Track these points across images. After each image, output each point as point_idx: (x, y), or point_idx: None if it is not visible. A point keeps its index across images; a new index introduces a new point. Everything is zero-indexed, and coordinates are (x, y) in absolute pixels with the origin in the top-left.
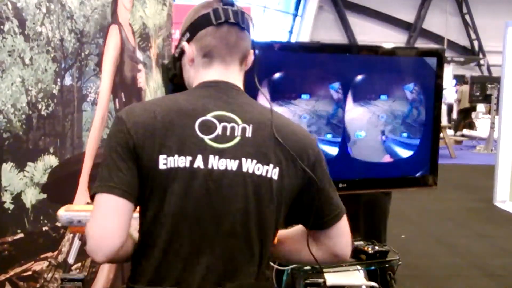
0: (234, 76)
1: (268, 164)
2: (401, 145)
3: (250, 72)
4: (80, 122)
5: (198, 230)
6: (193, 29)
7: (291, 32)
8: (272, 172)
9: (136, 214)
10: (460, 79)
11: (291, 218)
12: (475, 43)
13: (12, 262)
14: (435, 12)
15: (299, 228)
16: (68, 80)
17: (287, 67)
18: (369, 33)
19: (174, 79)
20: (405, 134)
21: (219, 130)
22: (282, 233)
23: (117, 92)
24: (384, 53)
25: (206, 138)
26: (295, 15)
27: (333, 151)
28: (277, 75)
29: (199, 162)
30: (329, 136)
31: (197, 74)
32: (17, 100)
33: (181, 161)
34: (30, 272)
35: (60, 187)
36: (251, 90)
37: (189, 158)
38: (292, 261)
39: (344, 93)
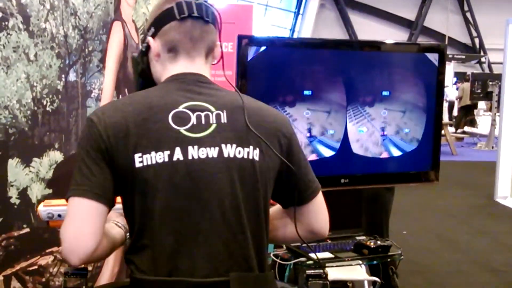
0: (201, 68)
1: (248, 146)
2: (402, 141)
3: (247, 73)
4: (84, 118)
5: (190, 223)
6: (157, 24)
7: (292, 30)
8: (254, 153)
9: (119, 205)
10: (461, 77)
11: (275, 196)
12: (476, 41)
13: (18, 256)
14: (437, 9)
15: (277, 206)
16: (72, 76)
17: (289, 63)
18: (370, 31)
19: (142, 73)
20: (406, 130)
21: (193, 120)
22: None
23: (121, 88)
24: (386, 49)
25: (182, 130)
26: (296, 13)
27: (335, 146)
28: (280, 71)
29: (178, 155)
30: (331, 132)
31: (164, 69)
32: (22, 96)
33: (159, 157)
34: (36, 267)
35: (65, 183)
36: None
37: (167, 152)
38: (270, 240)
39: (346, 89)
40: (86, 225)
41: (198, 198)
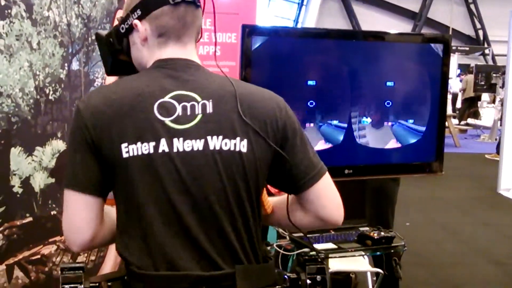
0: (191, 53)
1: (235, 138)
2: (407, 131)
3: (251, 63)
4: None
5: (178, 218)
6: (146, 7)
7: (296, 21)
8: (241, 145)
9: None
10: (464, 69)
11: (274, 184)
12: (480, 33)
13: (21, 245)
14: (440, 1)
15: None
16: (75, 65)
17: (293, 53)
18: (374, 22)
19: (115, 54)
20: (411, 121)
21: (179, 111)
22: (272, 200)
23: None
24: (391, 39)
25: (167, 121)
26: (300, 4)
27: (339, 137)
28: (284, 61)
29: (163, 146)
30: (335, 122)
31: (152, 54)
32: (25, 85)
33: (144, 148)
34: (38, 256)
35: None
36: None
37: (152, 143)
38: (285, 227)
39: (350, 80)
40: (77, 217)
41: (185, 192)
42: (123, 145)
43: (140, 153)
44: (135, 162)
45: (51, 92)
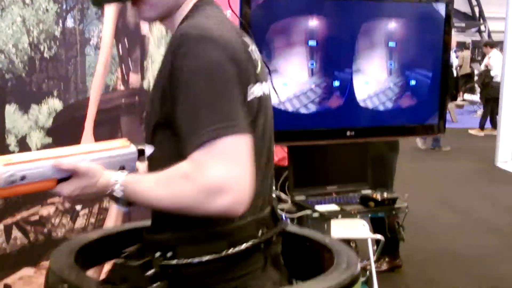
0: None
1: (267, 83)
2: (409, 92)
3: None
4: (83, 66)
5: (260, 162)
6: None
7: None
8: (269, 90)
9: None
10: (461, 46)
11: None
12: (476, 9)
13: (19, 206)
14: None
15: None
16: (70, 22)
17: (294, 13)
18: None
19: None
20: (413, 82)
21: (251, 53)
22: None
23: (120, 37)
24: None
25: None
26: None
27: (341, 99)
28: (284, 21)
29: (264, 88)
30: (336, 84)
31: None
32: (19, 40)
33: (265, 88)
34: (37, 217)
35: (65, 132)
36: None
37: (261, 84)
38: None
39: (351, 40)
40: (251, 168)
41: (267, 136)
42: (249, 87)
43: (259, 95)
44: (255, 104)
45: (46, 50)
